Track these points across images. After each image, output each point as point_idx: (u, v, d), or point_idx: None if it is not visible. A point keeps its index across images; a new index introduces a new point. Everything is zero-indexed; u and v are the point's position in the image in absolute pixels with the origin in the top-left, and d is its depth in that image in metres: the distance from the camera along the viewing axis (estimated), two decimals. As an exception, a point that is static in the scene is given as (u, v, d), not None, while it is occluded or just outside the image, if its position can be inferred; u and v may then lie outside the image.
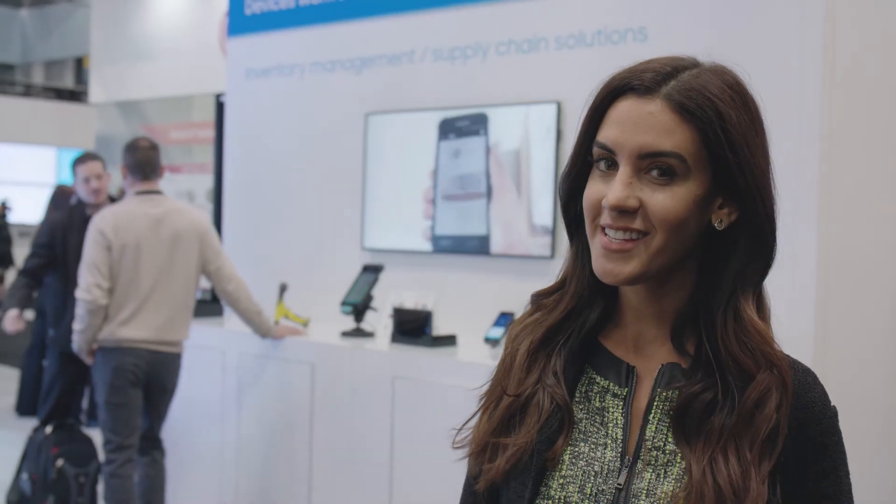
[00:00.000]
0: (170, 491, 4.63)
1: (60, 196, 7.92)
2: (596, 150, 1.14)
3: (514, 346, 1.24)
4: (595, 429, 1.18)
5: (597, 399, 1.20)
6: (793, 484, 1.15)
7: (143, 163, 4.37)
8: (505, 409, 1.20)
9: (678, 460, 1.14)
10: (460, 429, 1.25)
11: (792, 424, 1.15)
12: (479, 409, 1.23)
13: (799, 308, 3.27)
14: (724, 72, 1.16)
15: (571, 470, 1.16)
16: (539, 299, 1.26)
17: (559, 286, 1.24)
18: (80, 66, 21.58)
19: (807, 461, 1.16)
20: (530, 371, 1.20)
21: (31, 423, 7.79)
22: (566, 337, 1.21)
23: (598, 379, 1.21)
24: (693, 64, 1.16)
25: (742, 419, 1.12)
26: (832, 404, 1.20)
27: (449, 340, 4.09)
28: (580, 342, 1.21)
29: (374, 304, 4.32)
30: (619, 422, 1.18)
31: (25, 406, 8.02)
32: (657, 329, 1.19)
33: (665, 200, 1.10)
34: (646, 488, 1.13)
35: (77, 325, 4.20)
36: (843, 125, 3.33)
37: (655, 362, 1.19)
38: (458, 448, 1.25)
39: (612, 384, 1.20)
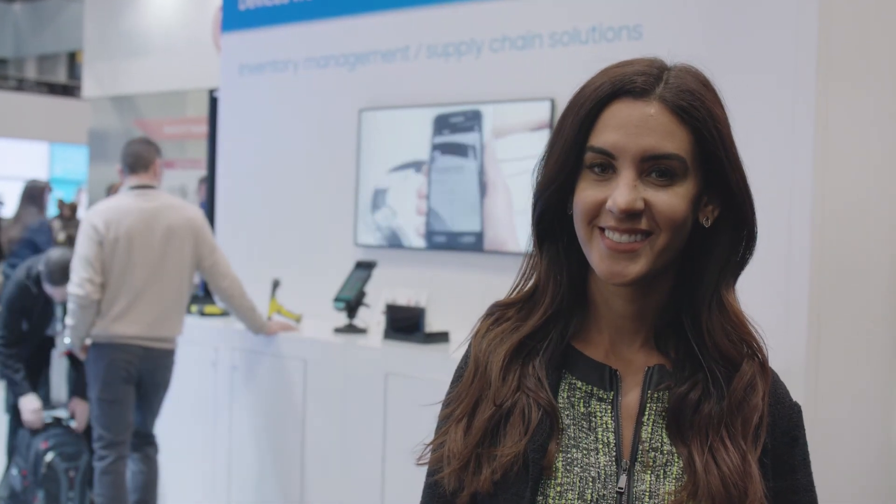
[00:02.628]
0: (162, 487, 4.63)
1: (33, 191, 7.91)
2: (590, 155, 1.14)
3: (485, 357, 1.21)
4: (584, 434, 1.18)
5: (581, 404, 1.19)
6: (771, 477, 1.18)
7: (127, 155, 4.34)
8: (487, 419, 1.18)
9: (676, 460, 1.15)
10: (430, 445, 1.23)
11: (768, 420, 1.18)
12: (449, 425, 1.20)
13: (792, 311, 3.27)
14: (696, 71, 1.18)
15: (567, 477, 1.15)
16: (503, 310, 1.25)
17: (528, 296, 1.23)
18: (73, 60, 21.53)
19: (783, 455, 1.20)
20: (506, 380, 1.19)
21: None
22: (545, 343, 1.21)
23: (579, 384, 1.20)
24: (666, 65, 1.17)
25: (732, 408, 1.15)
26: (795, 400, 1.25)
27: (442, 337, 4.09)
28: (559, 348, 1.21)
29: (366, 300, 4.32)
30: (609, 426, 1.17)
31: (14, 403, 7.96)
32: (634, 331, 1.20)
33: (670, 200, 1.11)
34: (648, 490, 1.14)
35: (69, 321, 4.18)
36: (837, 124, 3.33)
37: (634, 365, 1.20)
38: (421, 464, 1.24)
39: (595, 388, 1.19)
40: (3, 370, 4.88)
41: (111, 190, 8.85)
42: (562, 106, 1.19)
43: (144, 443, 4.46)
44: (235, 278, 4.39)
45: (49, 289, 4.73)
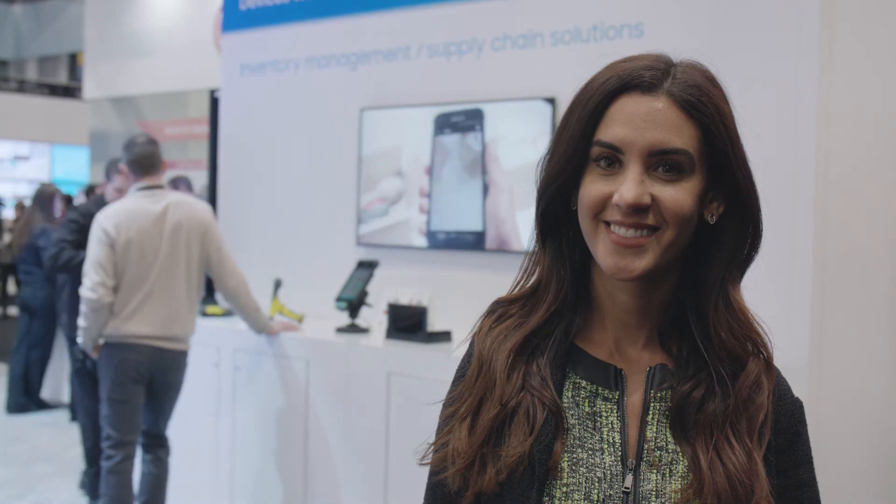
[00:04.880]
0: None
1: (42, 196, 7.93)
2: (597, 149, 1.13)
3: (489, 355, 1.21)
4: (589, 434, 1.17)
5: (586, 404, 1.19)
6: (775, 474, 1.18)
7: (142, 158, 4.33)
8: (492, 418, 1.17)
9: (681, 458, 1.15)
10: (432, 445, 1.23)
11: (771, 417, 1.18)
12: (453, 424, 1.20)
13: (795, 308, 3.27)
14: (702, 67, 1.17)
15: (573, 478, 1.15)
16: (506, 307, 1.25)
17: (530, 292, 1.23)
18: (73, 62, 21.55)
19: (785, 451, 1.20)
20: (510, 378, 1.18)
21: (20, 421, 7.79)
22: (549, 341, 1.20)
23: (584, 383, 1.20)
24: (672, 60, 1.17)
25: (738, 406, 1.14)
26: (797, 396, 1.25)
27: (444, 336, 4.08)
28: (563, 346, 1.21)
29: (369, 300, 4.32)
30: (614, 426, 1.17)
31: (15, 403, 8.00)
32: (639, 327, 1.20)
33: (677, 195, 1.11)
34: (654, 489, 1.13)
35: (82, 323, 4.19)
36: (840, 120, 3.33)
37: (638, 364, 1.20)
38: (424, 464, 1.23)
39: (601, 388, 1.19)
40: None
41: (91, 193, 8.85)
42: (563, 105, 1.19)
43: (156, 444, 4.46)
44: (242, 277, 4.40)
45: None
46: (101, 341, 4.24)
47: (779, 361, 1.23)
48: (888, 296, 3.50)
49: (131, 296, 4.20)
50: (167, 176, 9.63)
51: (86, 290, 4.14)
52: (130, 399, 4.24)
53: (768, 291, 3.22)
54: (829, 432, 3.21)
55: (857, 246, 3.44)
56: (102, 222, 4.19)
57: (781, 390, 1.21)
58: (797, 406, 1.22)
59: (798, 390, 1.26)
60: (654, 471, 1.14)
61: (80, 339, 4.27)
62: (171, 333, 4.28)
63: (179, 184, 8.30)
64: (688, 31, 3.62)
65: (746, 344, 1.17)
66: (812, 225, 3.26)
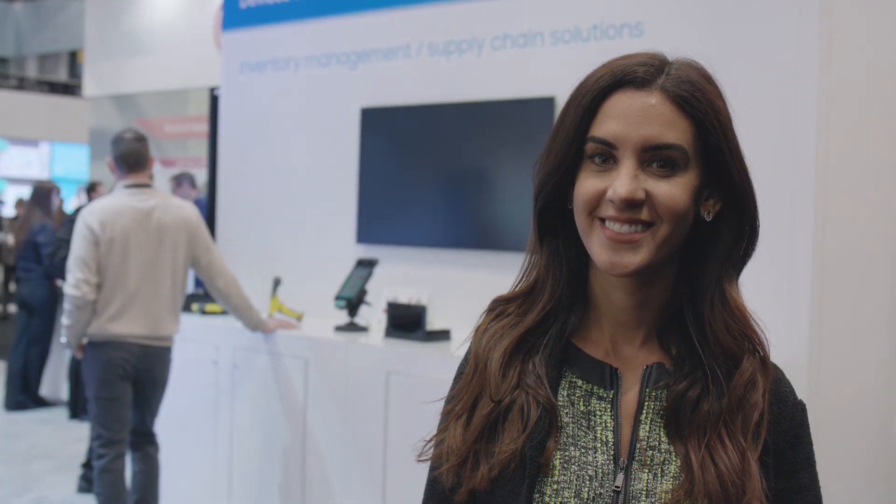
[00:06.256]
0: (163, 486, 4.62)
1: (40, 193, 7.94)
2: (591, 146, 1.13)
3: (485, 353, 1.21)
4: (583, 433, 1.17)
5: (581, 403, 1.19)
6: (773, 477, 1.17)
7: (128, 155, 4.30)
8: (486, 416, 1.17)
9: (674, 458, 1.14)
10: (430, 441, 1.23)
11: (769, 419, 1.17)
12: (449, 421, 1.20)
13: (794, 307, 3.27)
14: (697, 65, 1.17)
15: (564, 475, 1.15)
16: (504, 305, 1.25)
17: (527, 291, 1.23)
18: (73, 59, 21.55)
19: (785, 454, 1.19)
20: (506, 376, 1.19)
21: (19, 418, 7.79)
22: (545, 339, 1.20)
23: (579, 382, 1.20)
24: (668, 58, 1.16)
25: (732, 405, 1.14)
26: (800, 398, 1.24)
27: (443, 335, 4.08)
28: (559, 345, 1.21)
29: (368, 298, 4.31)
30: (608, 425, 1.17)
31: (13, 401, 8.00)
32: (635, 326, 1.19)
33: (671, 191, 1.11)
34: (645, 489, 1.13)
35: (65, 321, 4.17)
36: (839, 119, 3.32)
37: (634, 363, 1.19)
38: (422, 461, 1.24)
39: (595, 387, 1.19)
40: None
41: (92, 190, 8.85)
42: (563, 104, 1.18)
43: (145, 442, 4.45)
44: (232, 277, 4.38)
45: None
46: (85, 340, 4.23)
47: (778, 360, 1.22)
48: (888, 295, 3.50)
49: (114, 295, 4.17)
50: (170, 172, 9.66)
51: (69, 287, 4.11)
52: (120, 397, 4.23)
53: (768, 290, 3.22)
54: (828, 432, 3.21)
55: (856, 245, 3.44)
56: (87, 218, 4.16)
57: (782, 392, 1.20)
58: (799, 409, 1.21)
59: (797, 389, 1.25)
60: (646, 470, 1.14)
61: (63, 339, 4.24)
62: (156, 334, 4.27)
63: (183, 180, 8.30)
64: (688, 31, 3.62)
65: (743, 342, 1.16)
66: (812, 224, 3.26)
